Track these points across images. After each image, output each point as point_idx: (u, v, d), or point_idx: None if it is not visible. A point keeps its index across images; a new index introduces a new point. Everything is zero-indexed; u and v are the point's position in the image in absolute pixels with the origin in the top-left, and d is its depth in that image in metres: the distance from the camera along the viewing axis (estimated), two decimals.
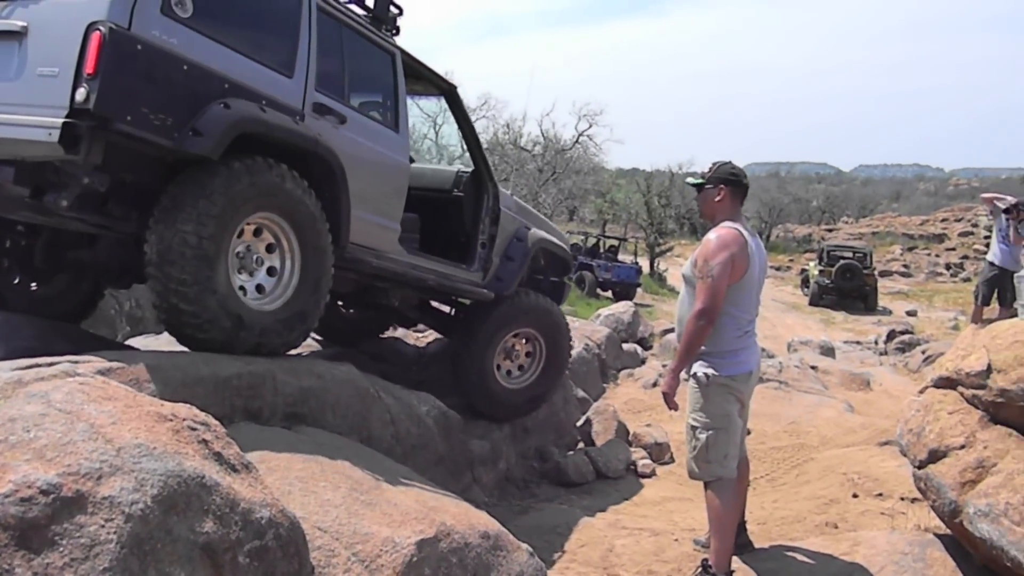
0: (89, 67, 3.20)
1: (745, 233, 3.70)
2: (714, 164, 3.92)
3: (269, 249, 3.98)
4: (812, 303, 22.26)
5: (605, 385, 8.72)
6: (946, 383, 3.87)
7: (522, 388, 5.86)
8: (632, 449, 6.36)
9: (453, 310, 6.10)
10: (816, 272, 22.80)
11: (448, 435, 4.81)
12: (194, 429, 2.18)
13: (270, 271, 3.99)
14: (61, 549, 1.68)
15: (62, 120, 3.18)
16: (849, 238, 35.81)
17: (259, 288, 3.95)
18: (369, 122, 4.69)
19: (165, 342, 6.61)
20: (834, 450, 6.43)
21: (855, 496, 5.19)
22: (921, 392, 4.06)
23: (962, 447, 3.57)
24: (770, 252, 34.54)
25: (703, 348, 3.70)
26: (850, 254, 22.96)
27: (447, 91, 5.52)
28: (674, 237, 35.05)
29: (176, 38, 3.49)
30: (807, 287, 23.88)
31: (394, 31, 5.00)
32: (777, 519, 4.97)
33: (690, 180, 4.06)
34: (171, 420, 2.14)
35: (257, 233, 3.91)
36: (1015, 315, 4.16)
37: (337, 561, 2.56)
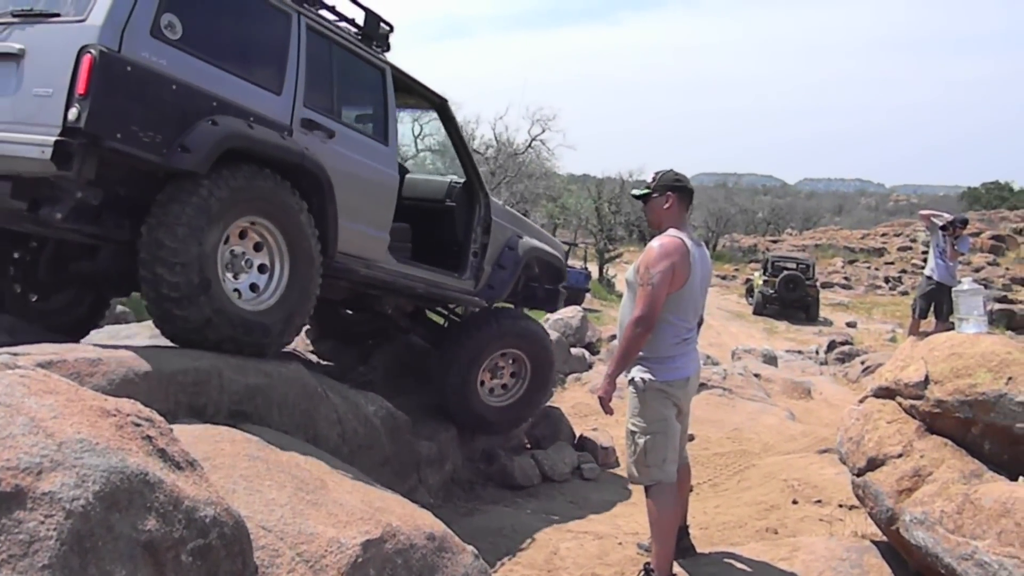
0: (81, 88, 3.35)
1: (688, 242, 3.73)
2: (657, 173, 3.94)
3: (258, 250, 4.12)
4: (756, 312, 22.63)
5: (553, 389, 8.75)
6: (885, 393, 3.97)
7: (503, 406, 5.91)
8: (578, 453, 6.39)
9: (447, 323, 6.16)
10: (760, 282, 23.18)
11: (395, 436, 4.78)
12: (138, 425, 2.13)
13: (261, 270, 4.13)
14: None
15: (54, 138, 3.34)
16: (793, 249, 36.52)
17: (252, 288, 4.09)
18: (358, 136, 4.81)
19: (105, 335, 6.48)
20: (775, 457, 6.55)
21: (795, 502, 5.29)
22: (861, 401, 4.16)
23: (899, 456, 3.66)
24: (716, 261, 35.05)
25: (641, 354, 3.73)
26: (793, 265, 23.39)
27: (438, 105, 5.65)
28: (623, 244, 35.37)
29: (165, 59, 3.65)
30: (751, 296, 24.26)
31: (385, 48, 5.13)
32: (719, 524, 5.05)
33: (635, 192, 4.08)
34: (114, 415, 2.09)
35: (246, 237, 4.05)
36: (951, 328, 4.27)
37: (281, 561, 2.52)
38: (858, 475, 3.86)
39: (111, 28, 3.47)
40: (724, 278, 32.03)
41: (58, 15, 3.63)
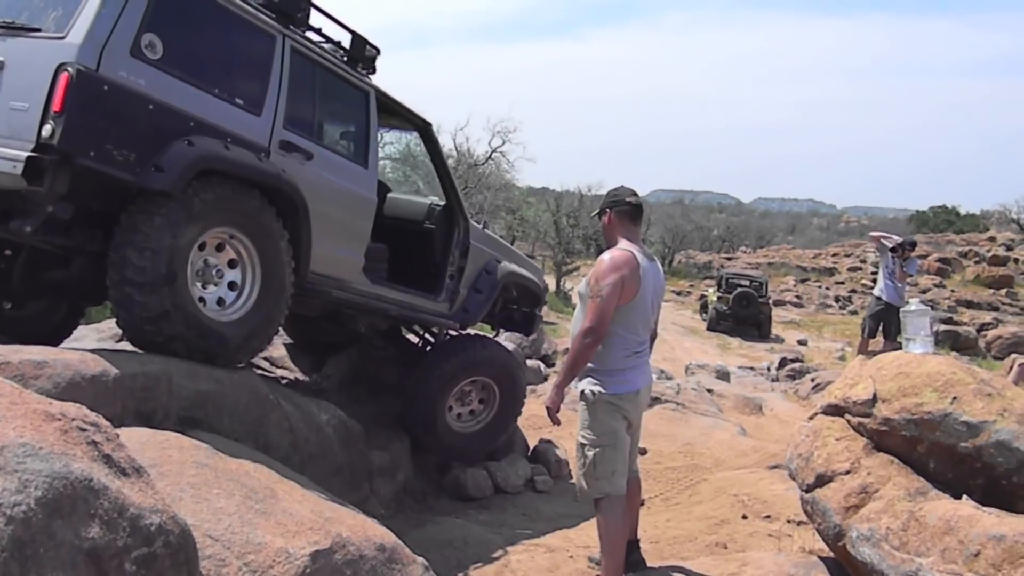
0: (56, 105, 3.38)
1: (639, 255, 3.75)
2: (611, 191, 4.01)
3: (232, 267, 4.15)
4: (710, 328, 22.88)
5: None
6: (834, 410, 4.03)
7: (470, 433, 5.91)
8: (532, 465, 6.39)
9: (426, 345, 6.16)
10: (715, 298, 23.44)
11: (348, 445, 4.73)
12: (83, 430, 2.08)
13: (231, 285, 4.15)
14: None
15: (27, 154, 3.36)
16: (747, 267, 36.96)
17: (219, 301, 4.11)
18: (337, 158, 4.85)
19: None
20: (726, 472, 6.62)
21: (744, 517, 5.34)
22: (811, 418, 4.21)
23: (847, 472, 3.72)
24: (672, 277, 35.40)
25: (592, 366, 3.74)
26: (747, 283, 23.67)
27: (421, 128, 5.71)
28: (581, 257, 35.50)
29: (144, 79, 3.68)
30: (705, 312, 24.51)
31: (370, 70, 5.17)
32: (670, 538, 5.08)
33: (594, 214, 4.17)
34: (59, 419, 2.03)
35: (219, 248, 4.09)
36: (899, 348, 4.37)
37: (228, 571, 2.48)
38: (807, 491, 3.90)
39: (90, 47, 3.49)
40: (679, 294, 32.36)
41: (39, 30, 3.64)
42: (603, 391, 3.71)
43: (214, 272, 4.08)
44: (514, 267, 6.14)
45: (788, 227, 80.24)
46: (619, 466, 3.75)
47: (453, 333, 6.06)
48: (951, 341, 19.29)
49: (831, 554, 3.95)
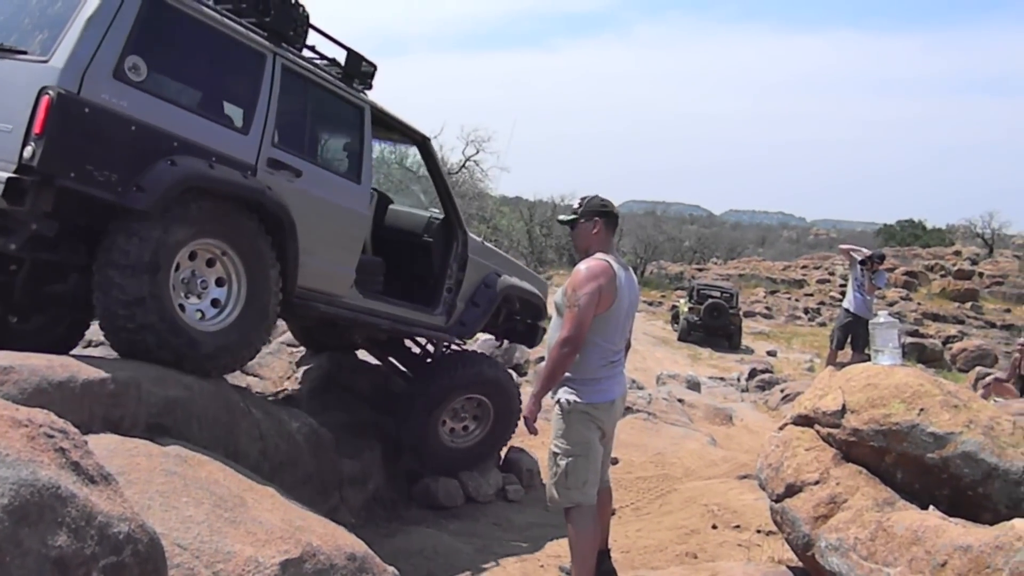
0: (37, 127, 3.45)
1: (615, 265, 3.78)
2: (583, 199, 4.00)
3: (219, 283, 4.20)
4: (681, 339, 22.99)
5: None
6: (804, 421, 4.06)
7: (462, 448, 5.93)
8: (503, 474, 6.37)
9: (426, 356, 6.19)
10: (686, 309, 23.55)
11: (318, 453, 4.70)
12: (51, 436, 2.04)
13: (214, 301, 4.19)
14: None
15: (7, 175, 3.43)
16: (718, 278, 37.25)
17: (213, 304, 4.17)
18: (328, 175, 4.88)
19: None
20: (696, 482, 6.65)
21: (714, 527, 5.37)
22: (780, 429, 4.24)
23: (816, 483, 3.75)
24: (644, 287, 35.54)
25: (568, 375, 3.75)
26: (718, 294, 23.81)
27: (419, 142, 5.76)
28: (554, 267, 35.61)
29: (126, 100, 3.73)
30: (677, 323, 24.63)
31: (366, 86, 5.21)
32: (640, 548, 5.09)
33: (562, 218, 4.11)
34: (26, 426, 2.00)
35: (210, 264, 4.15)
36: (867, 359, 4.42)
37: None
38: (777, 501, 3.93)
39: (72, 70, 3.55)
40: (651, 304, 32.53)
41: (25, 52, 3.70)
42: (579, 400, 3.72)
43: (199, 283, 4.12)
44: (515, 280, 6.18)
45: (758, 239, 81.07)
46: (591, 476, 3.76)
47: (454, 346, 6.09)
48: (917, 353, 19.56)
49: (800, 564, 3.98)
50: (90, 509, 1.94)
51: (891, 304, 28.63)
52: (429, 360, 6.13)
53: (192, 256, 4.08)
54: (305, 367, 6.68)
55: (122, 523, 2.03)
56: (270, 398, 6.26)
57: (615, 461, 6.59)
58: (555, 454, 3.77)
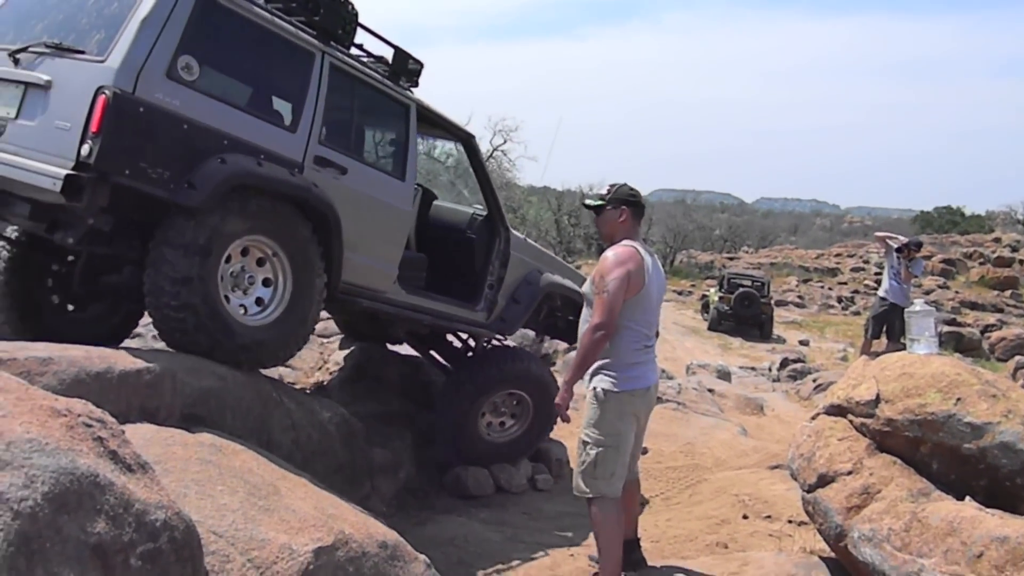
0: (94, 126, 3.56)
1: (642, 251, 3.77)
2: (612, 186, 3.97)
3: (260, 265, 4.29)
4: (711, 328, 22.85)
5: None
6: (837, 411, 4.04)
7: (497, 442, 5.97)
8: (532, 464, 6.38)
9: (467, 350, 6.26)
10: (716, 298, 23.39)
11: (349, 443, 4.74)
12: (89, 426, 2.09)
13: (258, 299, 4.29)
14: None
15: (66, 172, 3.54)
16: (749, 267, 36.93)
17: (257, 302, 4.27)
18: (372, 172, 4.94)
19: None
20: (727, 472, 6.62)
21: (745, 517, 5.34)
22: (813, 418, 4.22)
23: (849, 473, 3.72)
24: (673, 277, 35.36)
25: (604, 361, 3.72)
26: (749, 283, 23.61)
27: (463, 139, 5.82)
28: (582, 256, 35.51)
29: (179, 99, 3.83)
30: (707, 312, 24.47)
31: (413, 83, 5.26)
32: (670, 537, 5.08)
33: (588, 202, 4.09)
34: (65, 415, 2.04)
35: (246, 253, 4.21)
36: (902, 348, 4.37)
37: (232, 567, 2.48)
38: (808, 491, 3.91)
39: (127, 70, 3.66)
40: (680, 293, 32.35)
41: (83, 52, 3.80)
42: (615, 389, 3.69)
43: (247, 279, 4.22)
44: (556, 278, 6.19)
45: (791, 227, 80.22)
46: (619, 469, 3.74)
47: (495, 342, 6.14)
48: (955, 342, 19.27)
49: (832, 554, 3.95)
50: (127, 497, 1.98)
51: (928, 292, 28.24)
52: (470, 354, 6.18)
53: (244, 252, 4.19)
54: (336, 357, 6.74)
55: (159, 510, 2.07)
56: (303, 389, 6.32)
57: (645, 451, 6.56)
58: (585, 443, 3.76)
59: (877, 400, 3.75)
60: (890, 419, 3.66)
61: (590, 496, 3.76)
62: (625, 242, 3.79)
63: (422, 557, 3.24)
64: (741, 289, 22.60)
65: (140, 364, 3.37)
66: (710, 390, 10.22)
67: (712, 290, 25.59)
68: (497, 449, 5.96)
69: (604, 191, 3.97)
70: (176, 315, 3.86)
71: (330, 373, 6.80)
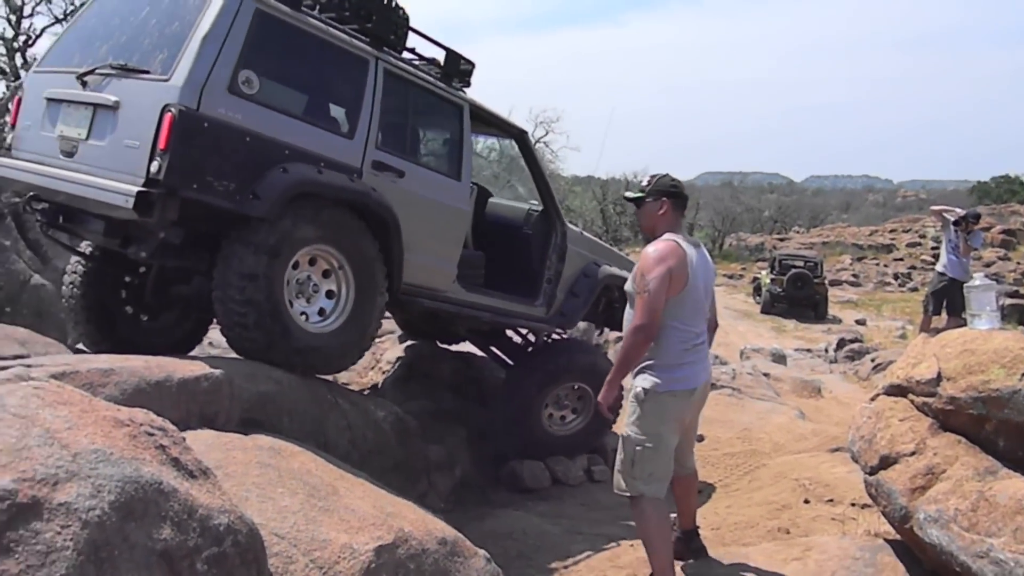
0: (162, 143, 3.70)
1: (684, 245, 3.63)
2: (652, 177, 3.86)
3: (326, 276, 4.40)
4: (764, 311, 22.57)
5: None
6: (897, 391, 3.95)
7: (558, 435, 5.99)
8: (588, 455, 6.37)
9: (527, 345, 6.33)
10: (768, 281, 23.10)
11: (405, 440, 4.78)
12: (151, 434, 2.14)
13: (321, 310, 4.39)
14: (17, 556, 1.63)
15: (137, 189, 3.67)
16: (800, 247, 36.36)
17: (319, 312, 4.36)
18: (429, 174, 5.03)
19: None
20: (786, 456, 6.53)
21: (806, 502, 5.27)
22: (872, 399, 4.13)
23: (912, 454, 3.64)
24: (722, 260, 34.96)
25: (650, 360, 3.61)
26: (801, 263, 23.28)
27: (516, 136, 5.91)
28: (629, 244, 35.31)
29: (241, 113, 3.96)
30: (759, 295, 24.18)
31: (465, 84, 5.34)
32: (730, 525, 5.04)
33: (628, 194, 3.97)
34: (128, 425, 2.10)
35: (312, 263, 4.34)
36: (963, 324, 4.26)
37: (295, 568, 2.53)
38: (871, 474, 3.84)
39: (191, 87, 3.77)
40: (731, 277, 31.97)
41: (148, 72, 3.94)
42: (658, 389, 3.57)
43: (311, 287, 4.32)
44: (614, 269, 6.20)
45: (842, 205, 78.67)
46: (659, 470, 3.61)
47: (556, 336, 6.19)
48: (1017, 315, 18.70)
49: (897, 537, 3.88)
50: (191, 502, 2.03)
51: (988, 265, 27.52)
52: (531, 349, 6.23)
53: (312, 262, 4.31)
54: (389, 356, 6.80)
55: (222, 515, 2.12)
56: (357, 389, 6.39)
57: (701, 438, 6.52)
58: (624, 440, 3.67)
59: (938, 378, 3.66)
60: (952, 397, 3.57)
61: (629, 495, 3.66)
62: (667, 236, 3.66)
63: (482, 552, 3.26)
64: (793, 270, 22.29)
65: (198, 371, 3.45)
66: (765, 374, 10.09)
67: (763, 272, 25.27)
68: (559, 442, 5.97)
69: (644, 182, 3.85)
70: (239, 309, 3.96)
71: (383, 373, 6.87)
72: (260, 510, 2.67)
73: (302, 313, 4.27)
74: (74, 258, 4.93)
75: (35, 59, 16.10)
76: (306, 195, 4.14)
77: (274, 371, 3.99)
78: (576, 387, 5.90)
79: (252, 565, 2.19)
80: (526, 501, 5.57)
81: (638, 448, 3.60)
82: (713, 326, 3.94)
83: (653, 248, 3.62)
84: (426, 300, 5.03)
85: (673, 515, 3.96)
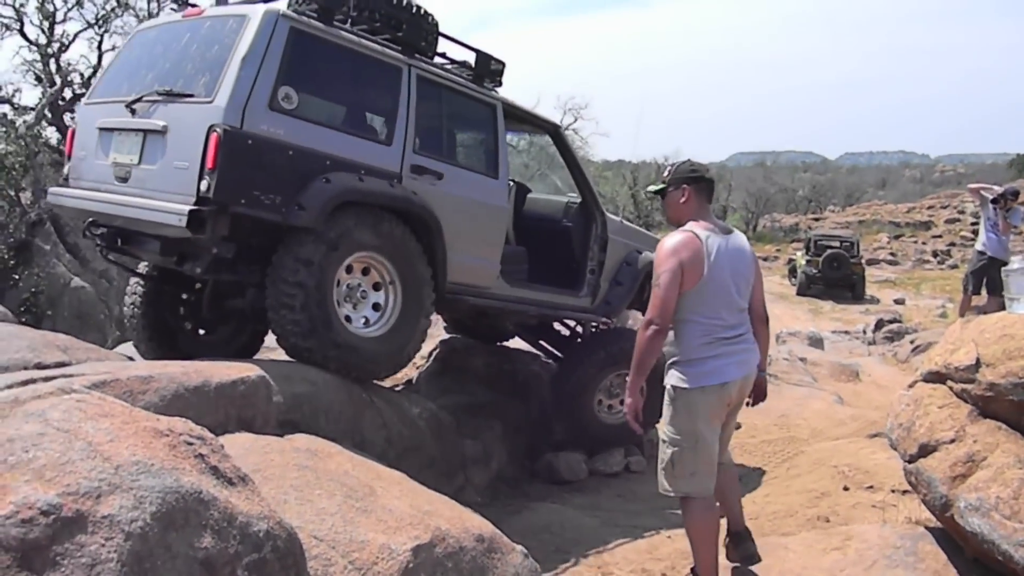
0: (209, 162, 3.86)
1: (703, 234, 3.47)
2: (671, 165, 3.74)
3: (375, 286, 4.54)
4: (800, 293, 22.33)
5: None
6: (935, 377, 3.89)
7: (611, 424, 6.04)
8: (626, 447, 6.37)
9: (575, 336, 6.45)
10: (803, 262, 22.83)
11: (440, 437, 4.83)
12: (190, 444, 2.19)
13: (375, 305, 4.53)
14: (63, 569, 1.69)
15: (189, 208, 3.84)
16: (836, 227, 35.85)
17: (365, 320, 4.49)
18: (467, 174, 5.15)
19: (131, 348, 6.60)
20: (824, 443, 6.47)
21: (846, 489, 5.22)
22: (910, 386, 4.08)
23: (952, 441, 3.60)
24: (757, 242, 34.58)
25: (675, 357, 3.55)
26: (837, 243, 22.97)
27: (551, 130, 6.03)
28: (661, 229, 35.11)
29: (283, 128, 4.11)
30: (795, 277, 23.92)
31: (497, 83, 5.44)
32: (769, 514, 5.01)
33: (650, 188, 3.92)
34: (167, 435, 2.15)
35: (365, 272, 4.48)
36: (1003, 304, 4.18)
37: (334, 570, 2.57)
38: (910, 462, 3.79)
39: (234, 107, 3.93)
40: (766, 259, 31.61)
41: (192, 95, 4.11)
42: (686, 386, 3.49)
43: (359, 294, 4.46)
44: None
45: (878, 182, 77.37)
46: (701, 467, 3.51)
47: (602, 326, 6.25)
48: None
49: (938, 524, 3.84)
50: (231, 510, 2.07)
51: None
52: (579, 340, 6.31)
53: (365, 271, 4.46)
54: (422, 351, 6.84)
55: (261, 521, 2.16)
56: (392, 386, 6.44)
57: (738, 426, 6.44)
58: (663, 441, 3.60)
59: (977, 364, 3.61)
60: (992, 383, 3.52)
61: (672, 495, 3.61)
62: (689, 225, 3.53)
63: (519, 548, 3.27)
64: (829, 251, 22.03)
65: (235, 375, 3.51)
66: (802, 359, 9.99)
67: (799, 253, 24.97)
68: (612, 431, 6.01)
69: (665, 172, 3.74)
70: (289, 291, 4.10)
71: (416, 368, 6.91)
72: (298, 513, 2.71)
73: (347, 316, 4.37)
74: (133, 279, 5.15)
75: (69, 65, 16.34)
76: (352, 203, 4.27)
77: (310, 372, 4.05)
78: (626, 376, 5.91)
79: (292, 569, 2.23)
80: (563, 493, 5.60)
81: (675, 449, 3.51)
82: (761, 318, 3.74)
83: (667, 240, 3.51)
84: (471, 297, 5.13)
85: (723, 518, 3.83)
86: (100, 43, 16.74)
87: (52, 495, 1.75)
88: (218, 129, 3.86)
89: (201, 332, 5.31)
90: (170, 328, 5.16)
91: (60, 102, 15.78)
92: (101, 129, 4.55)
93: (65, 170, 4.90)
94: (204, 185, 3.86)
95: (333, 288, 4.23)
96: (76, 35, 16.73)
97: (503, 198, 5.37)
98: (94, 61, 16.53)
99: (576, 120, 29.20)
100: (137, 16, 16.48)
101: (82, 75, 16.30)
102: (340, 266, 4.28)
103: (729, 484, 3.89)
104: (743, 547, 3.83)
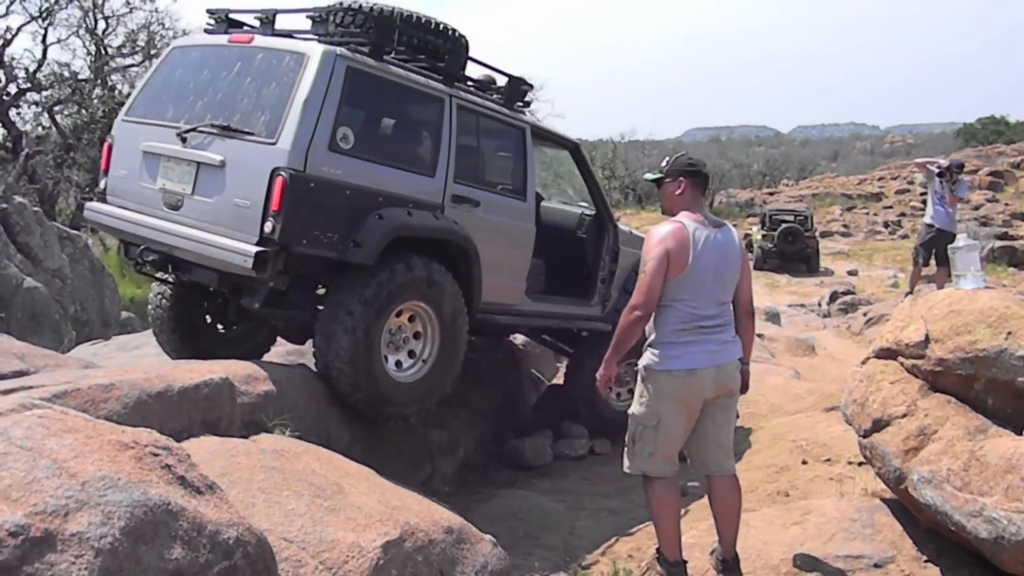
0: (275, 205, 3.94)
1: (691, 225, 3.55)
2: (670, 156, 3.84)
3: (416, 335, 4.62)
4: (756, 267, 22.54)
5: (559, 365, 8.83)
6: (887, 354, 4.01)
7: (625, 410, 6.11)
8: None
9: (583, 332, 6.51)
10: (759, 237, 23.08)
11: (406, 428, 4.84)
12: (156, 455, 2.19)
13: (410, 354, 4.61)
14: None
15: (255, 249, 3.94)
16: (790, 200, 36.25)
17: (399, 364, 4.54)
18: (500, 199, 5.23)
19: (114, 348, 6.51)
20: (783, 417, 6.61)
21: (804, 463, 5.34)
22: (863, 363, 4.20)
23: (904, 416, 3.71)
24: None
25: (651, 337, 3.64)
26: (791, 217, 23.24)
27: (571, 148, 6.13)
28: (620, 208, 35.26)
29: (341, 169, 4.18)
30: (751, 252, 24.19)
31: (525, 104, 5.52)
32: None
33: (648, 176, 3.99)
34: (133, 448, 2.14)
35: (413, 322, 4.58)
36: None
37: (305, 571, 2.59)
38: (864, 436, 3.91)
39: (297, 151, 3.99)
40: None
41: (252, 133, 4.15)
42: (655, 367, 3.57)
43: (402, 339, 4.53)
44: None
45: (830, 154, 78.29)
46: (660, 449, 3.59)
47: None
48: (1007, 257, 18.82)
49: (894, 496, 3.96)
50: (200, 520, 2.08)
51: (977, 208, 27.55)
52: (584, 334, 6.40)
53: (412, 319, 4.55)
54: None
55: (230, 528, 2.17)
56: None
57: None
58: (630, 417, 3.70)
59: (926, 340, 3.72)
60: (941, 359, 3.63)
61: (633, 473, 3.71)
62: (680, 215, 3.61)
63: (488, 537, 3.32)
64: (784, 225, 22.31)
65: (198, 378, 3.48)
66: (759, 335, 10.15)
67: (754, 229, 25.23)
68: (626, 417, 6.10)
69: (663, 163, 3.81)
70: (341, 331, 4.17)
71: None
72: (267, 516, 2.72)
73: (384, 356, 4.40)
74: (158, 284, 5.22)
75: (12, 59, 15.92)
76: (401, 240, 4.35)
77: (273, 371, 4.05)
78: (634, 365, 6.02)
79: (263, 574, 2.25)
80: (529, 479, 5.65)
81: (639, 426, 3.63)
82: (747, 311, 3.86)
83: (655, 229, 3.63)
84: (500, 316, 5.24)
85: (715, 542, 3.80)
86: (44, 36, 16.35)
87: (19, 516, 1.75)
88: (283, 173, 3.92)
89: (220, 328, 5.43)
90: (193, 324, 5.26)
91: (4, 97, 15.38)
92: (146, 152, 4.53)
93: (101, 184, 4.85)
94: (268, 226, 3.94)
95: (387, 317, 4.32)
96: (19, 28, 16.31)
97: (531, 219, 5.42)
98: (39, 55, 16.13)
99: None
100: (82, 8, 16.07)
101: (27, 70, 15.91)
102: (405, 303, 4.40)
103: (723, 498, 3.73)
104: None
